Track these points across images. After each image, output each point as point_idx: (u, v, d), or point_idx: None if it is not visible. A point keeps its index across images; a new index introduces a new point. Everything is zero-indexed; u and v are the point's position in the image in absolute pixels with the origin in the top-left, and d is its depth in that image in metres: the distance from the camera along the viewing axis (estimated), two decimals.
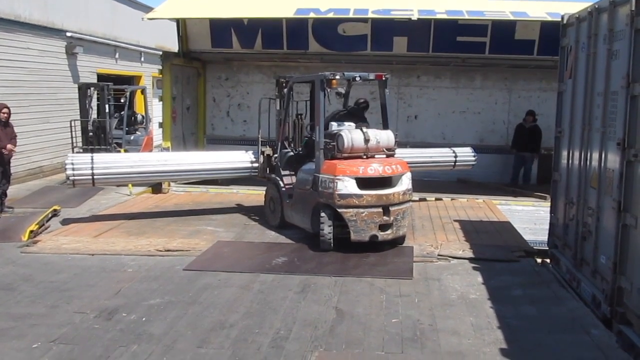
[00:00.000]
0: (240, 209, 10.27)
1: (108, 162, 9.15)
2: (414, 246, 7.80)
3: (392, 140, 7.98)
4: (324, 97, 7.81)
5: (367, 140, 7.68)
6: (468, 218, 9.73)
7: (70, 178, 8.58)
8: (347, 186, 7.35)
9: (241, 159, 9.68)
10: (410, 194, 7.80)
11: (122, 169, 9.10)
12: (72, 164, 8.65)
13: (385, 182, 7.54)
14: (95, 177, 8.71)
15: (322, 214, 7.52)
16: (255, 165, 9.45)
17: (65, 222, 9.16)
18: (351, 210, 7.36)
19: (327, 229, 7.49)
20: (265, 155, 9.21)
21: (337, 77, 7.79)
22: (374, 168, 7.50)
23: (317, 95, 7.99)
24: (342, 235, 7.52)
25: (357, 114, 8.69)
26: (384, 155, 7.88)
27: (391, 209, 7.45)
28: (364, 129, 7.80)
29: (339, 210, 7.39)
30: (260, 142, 9.31)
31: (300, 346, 4.80)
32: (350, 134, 7.70)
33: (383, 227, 7.47)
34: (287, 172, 8.78)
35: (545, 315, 5.60)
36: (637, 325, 4.79)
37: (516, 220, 9.69)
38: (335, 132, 7.90)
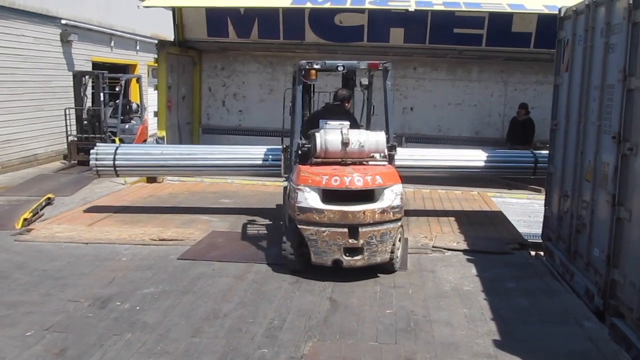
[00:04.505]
0: (235, 198, 10.24)
1: (131, 154, 9.23)
2: (409, 238, 7.80)
3: (382, 144, 6.57)
4: (302, 89, 6.85)
5: (345, 144, 6.34)
6: (462, 210, 9.74)
7: (94, 168, 8.80)
8: (307, 198, 6.07)
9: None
10: (397, 212, 6.21)
11: (145, 162, 9.16)
12: (96, 153, 8.81)
13: (357, 195, 6.09)
14: (117, 168, 8.82)
15: (285, 228, 6.47)
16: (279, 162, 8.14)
17: (60, 210, 9.13)
18: (311, 227, 6.06)
19: (288, 247, 6.26)
20: (287, 151, 7.77)
21: (317, 66, 6.65)
22: (340, 179, 6.07)
23: (294, 86, 6.99)
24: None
25: (335, 111, 7.30)
26: (379, 163, 6.58)
27: (360, 230, 6.00)
28: (344, 130, 6.42)
29: (299, 226, 6.13)
30: (283, 137, 8.10)
31: (294, 336, 4.81)
32: (325, 135, 6.42)
33: (350, 251, 6.08)
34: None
35: (538, 307, 5.63)
36: (629, 317, 4.81)
37: (510, 213, 9.69)
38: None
